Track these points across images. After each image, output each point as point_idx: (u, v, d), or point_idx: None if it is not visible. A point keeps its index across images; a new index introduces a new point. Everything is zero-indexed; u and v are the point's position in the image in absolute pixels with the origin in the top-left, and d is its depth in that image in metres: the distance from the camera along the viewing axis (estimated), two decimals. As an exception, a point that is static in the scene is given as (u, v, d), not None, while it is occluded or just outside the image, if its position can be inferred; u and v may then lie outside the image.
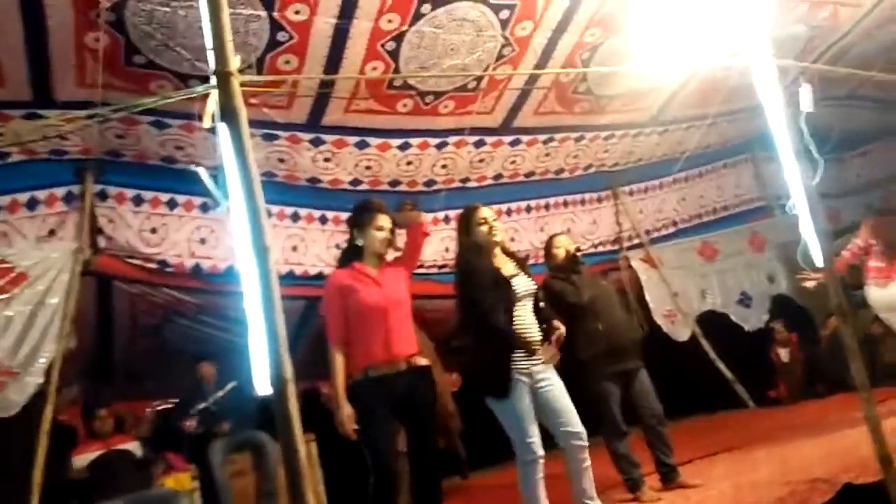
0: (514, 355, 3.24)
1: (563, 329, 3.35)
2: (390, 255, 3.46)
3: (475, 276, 3.30)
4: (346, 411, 3.09)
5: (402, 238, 3.51)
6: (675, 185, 7.34)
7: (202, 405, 5.20)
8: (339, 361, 3.17)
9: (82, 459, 4.69)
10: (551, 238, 4.46)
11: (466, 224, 3.52)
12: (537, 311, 3.42)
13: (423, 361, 3.31)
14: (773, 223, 7.51)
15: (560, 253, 4.27)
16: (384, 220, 3.36)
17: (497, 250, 3.47)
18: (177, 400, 5.93)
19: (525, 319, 3.33)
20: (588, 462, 3.29)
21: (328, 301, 3.34)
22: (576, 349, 3.96)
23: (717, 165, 7.62)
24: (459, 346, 5.86)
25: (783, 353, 7.29)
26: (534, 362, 3.29)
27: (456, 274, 3.51)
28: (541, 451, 3.15)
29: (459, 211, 3.77)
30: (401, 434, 3.52)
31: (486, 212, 3.52)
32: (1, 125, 4.11)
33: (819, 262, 3.52)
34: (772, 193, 7.59)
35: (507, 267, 3.44)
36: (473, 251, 3.44)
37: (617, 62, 5.07)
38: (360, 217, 3.41)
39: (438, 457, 3.30)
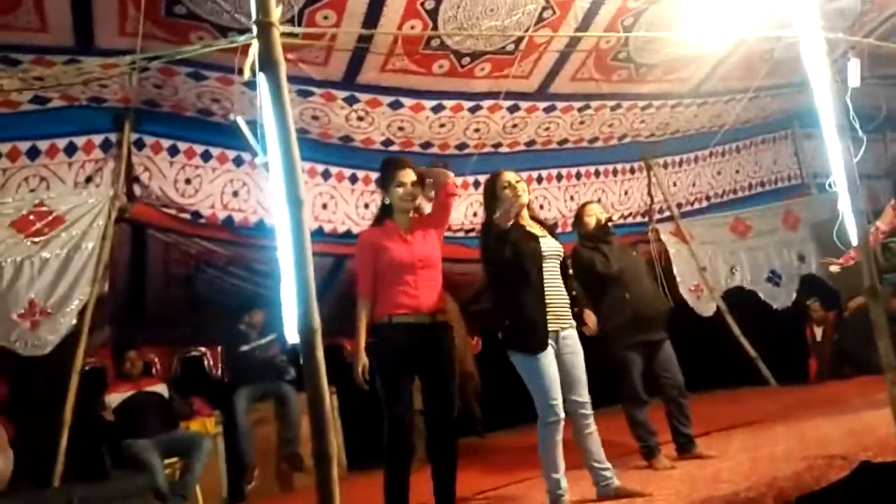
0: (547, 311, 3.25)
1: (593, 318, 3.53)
2: (426, 208, 3.47)
3: (505, 234, 3.28)
4: (363, 362, 3.15)
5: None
6: (711, 159, 7.24)
7: (244, 348, 5.35)
8: (364, 312, 3.23)
9: (113, 399, 4.83)
10: (583, 205, 4.44)
11: (492, 189, 3.50)
12: (564, 276, 3.42)
13: (445, 319, 3.34)
14: (808, 202, 7.39)
15: (591, 221, 4.26)
16: (405, 176, 3.33)
17: (524, 212, 3.45)
18: (203, 348, 6.10)
19: (552, 281, 3.33)
20: (592, 429, 3.32)
21: (359, 256, 3.39)
22: (601, 318, 3.96)
23: (756, 140, 7.48)
24: (480, 309, 5.94)
25: (818, 332, 7.22)
26: (562, 325, 3.32)
27: (483, 234, 3.48)
28: (563, 413, 3.18)
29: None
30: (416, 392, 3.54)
31: (509, 175, 3.49)
32: (43, 70, 4.17)
33: (854, 242, 3.48)
34: (809, 171, 7.47)
35: (534, 229, 3.43)
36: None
37: (660, 29, 4.95)
38: (385, 176, 3.42)
39: (455, 415, 3.32)
